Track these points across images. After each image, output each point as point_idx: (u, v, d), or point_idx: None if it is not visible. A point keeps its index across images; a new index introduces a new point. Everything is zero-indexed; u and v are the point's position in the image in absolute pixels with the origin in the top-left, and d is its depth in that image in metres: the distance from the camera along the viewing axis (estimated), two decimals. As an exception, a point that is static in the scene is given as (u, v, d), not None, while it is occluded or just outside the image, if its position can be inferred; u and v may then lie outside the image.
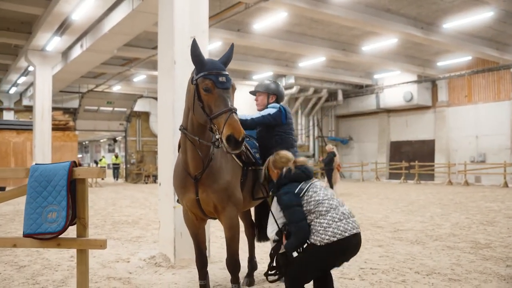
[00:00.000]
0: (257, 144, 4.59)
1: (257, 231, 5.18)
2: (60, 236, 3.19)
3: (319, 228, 3.27)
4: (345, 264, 3.77)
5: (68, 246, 3.20)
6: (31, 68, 18.45)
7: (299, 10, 13.57)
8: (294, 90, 26.06)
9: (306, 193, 3.43)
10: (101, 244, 3.14)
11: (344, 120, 30.83)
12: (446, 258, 6.02)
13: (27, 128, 21.23)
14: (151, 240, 7.69)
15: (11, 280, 5.25)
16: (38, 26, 13.55)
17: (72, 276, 5.37)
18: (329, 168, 16.05)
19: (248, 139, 4.51)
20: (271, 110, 4.40)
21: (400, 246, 6.94)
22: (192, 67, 3.56)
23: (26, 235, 3.16)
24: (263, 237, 5.10)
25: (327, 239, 3.21)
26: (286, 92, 26.57)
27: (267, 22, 15.03)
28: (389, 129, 27.91)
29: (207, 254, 5.05)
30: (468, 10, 14.54)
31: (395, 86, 25.67)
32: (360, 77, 25.89)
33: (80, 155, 40.83)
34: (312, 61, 21.39)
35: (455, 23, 15.56)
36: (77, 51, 15.62)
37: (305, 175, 3.60)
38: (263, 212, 4.90)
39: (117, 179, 29.36)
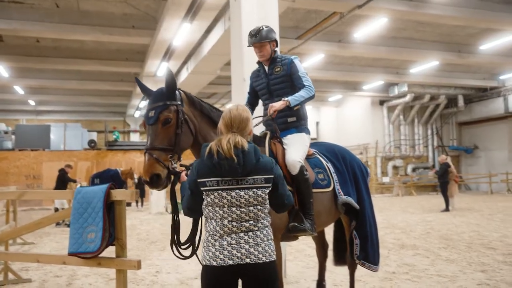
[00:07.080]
0: (325, 161, 4.16)
1: (334, 254, 4.84)
2: (100, 255, 3.29)
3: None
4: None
5: (107, 266, 3.29)
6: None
7: (399, 14, 12.82)
8: (408, 98, 24.61)
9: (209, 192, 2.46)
10: (135, 265, 3.17)
11: (467, 127, 28.15)
12: None
13: (149, 148, 22.89)
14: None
15: (97, 292, 5.63)
16: (148, 54, 14.72)
17: (150, 291, 5.57)
18: (443, 181, 14.76)
19: (312, 157, 4.15)
20: (308, 81, 3.88)
21: (509, 272, 5.99)
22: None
23: (70, 254, 3.32)
24: (340, 261, 4.76)
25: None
26: (400, 101, 25.21)
27: (368, 29, 14.38)
28: (522, 135, 24.86)
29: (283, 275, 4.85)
30: None
31: (526, 86, 22.87)
32: (483, 79, 23.48)
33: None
34: (425, 66, 19.93)
35: None
36: (184, 74, 16.59)
37: (220, 169, 2.41)
38: (340, 234, 4.63)
39: None
